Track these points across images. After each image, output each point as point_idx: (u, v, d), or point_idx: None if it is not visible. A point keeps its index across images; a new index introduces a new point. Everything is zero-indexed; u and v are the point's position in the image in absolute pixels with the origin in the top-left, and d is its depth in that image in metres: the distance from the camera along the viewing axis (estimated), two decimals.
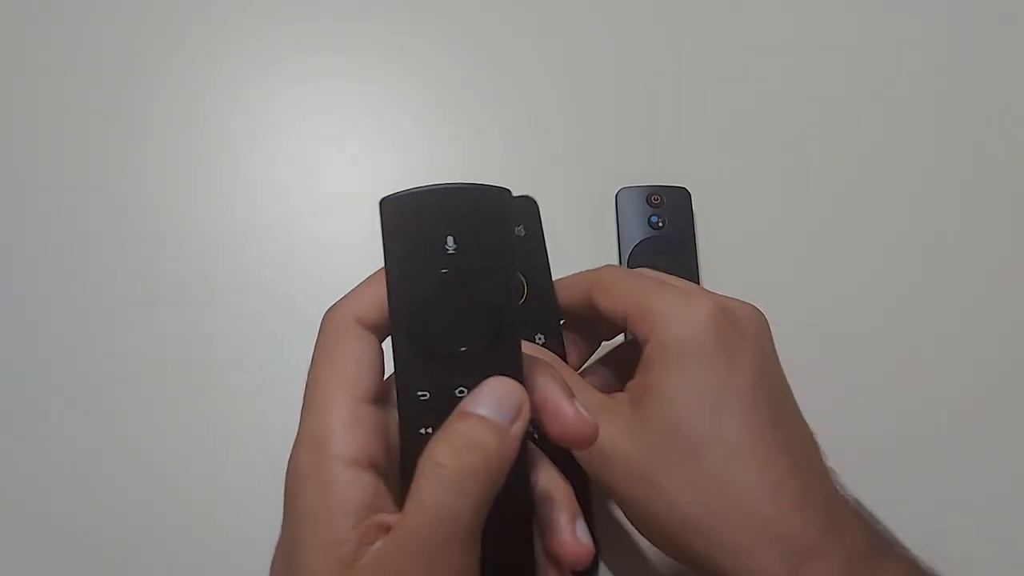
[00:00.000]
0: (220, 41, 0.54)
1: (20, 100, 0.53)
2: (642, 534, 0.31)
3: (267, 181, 0.52)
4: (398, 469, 0.27)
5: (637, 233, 0.49)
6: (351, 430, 0.25)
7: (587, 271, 0.36)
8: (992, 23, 0.56)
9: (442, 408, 0.25)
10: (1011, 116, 0.54)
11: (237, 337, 0.48)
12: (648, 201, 0.50)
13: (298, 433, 0.26)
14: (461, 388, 0.26)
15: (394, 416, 0.27)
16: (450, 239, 0.26)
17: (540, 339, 0.39)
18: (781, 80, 0.55)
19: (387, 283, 0.26)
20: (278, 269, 0.49)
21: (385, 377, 0.27)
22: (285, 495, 0.26)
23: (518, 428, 0.24)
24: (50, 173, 0.51)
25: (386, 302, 0.26)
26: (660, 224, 0.50)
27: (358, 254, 0.49)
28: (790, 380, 0.33)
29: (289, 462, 0.26)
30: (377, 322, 0.27)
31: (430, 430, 0.25)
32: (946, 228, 0.52)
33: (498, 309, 0.26)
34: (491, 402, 0.24)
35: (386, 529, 0.24)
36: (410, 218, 0.26)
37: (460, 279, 0.26)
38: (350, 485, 0.24)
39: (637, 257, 0.49)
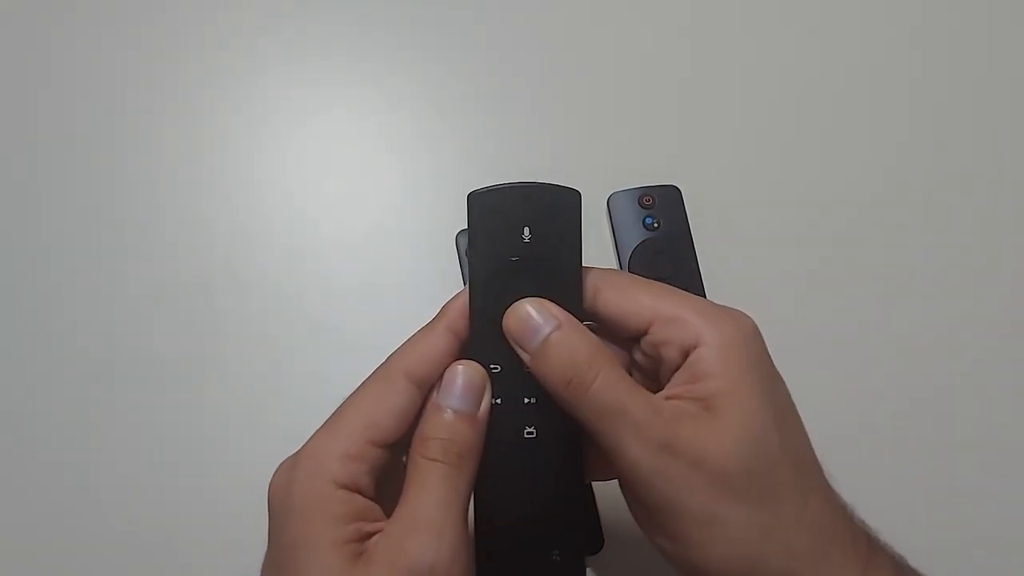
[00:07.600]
0: (223, 42, 0.55)
1: (23, 101, 0.53)
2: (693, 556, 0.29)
3: (270, 182, 0.52)
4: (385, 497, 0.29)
5: (633, 236, 0.49)
6: (349, 462, 0.28)
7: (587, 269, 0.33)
8: (990, 20, 0.56)
9: (513, 380, 0.30)
10: (1009, 110, 0.54)
11: (239, 337, 0.48)
12: (640, 203, 0.50)
13: (304, 446, 0.29)
14: None
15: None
16: (527, 229, 0.30)
17: None
18: (759, 73, 0.55)
19: (470, 264, 0.30)
20: (280, 269, 0.49)
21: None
22: (275, 507, 0.28)
23: (484, 409, 0.29)
24: (51, 174, 0.51)
25: (436, 358, 0.29)
26: (655, 225, 0.49)
27: (360, 255, 0.51)
28: (785, 372, 0.31)
29: (280, 474, 0.28)
30: (423, 376, 0.29)
31: (499, 400, 0.30)
32: (933, 216, 0.52)
33: (563, 291, 0.30)
34: (459, 392, 0.29)
35: (374, 533, 0.27)
36: (492, 209, 0.30)
37: (533, 264, 0.30)
38: (344, 500, 0.27)
39: (637, 260, 0.48)
